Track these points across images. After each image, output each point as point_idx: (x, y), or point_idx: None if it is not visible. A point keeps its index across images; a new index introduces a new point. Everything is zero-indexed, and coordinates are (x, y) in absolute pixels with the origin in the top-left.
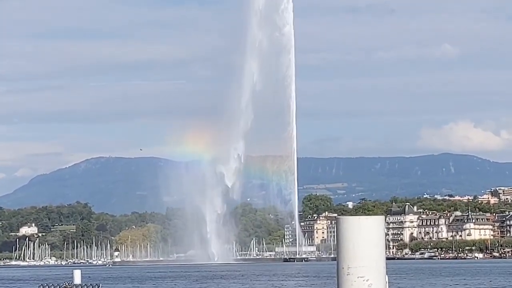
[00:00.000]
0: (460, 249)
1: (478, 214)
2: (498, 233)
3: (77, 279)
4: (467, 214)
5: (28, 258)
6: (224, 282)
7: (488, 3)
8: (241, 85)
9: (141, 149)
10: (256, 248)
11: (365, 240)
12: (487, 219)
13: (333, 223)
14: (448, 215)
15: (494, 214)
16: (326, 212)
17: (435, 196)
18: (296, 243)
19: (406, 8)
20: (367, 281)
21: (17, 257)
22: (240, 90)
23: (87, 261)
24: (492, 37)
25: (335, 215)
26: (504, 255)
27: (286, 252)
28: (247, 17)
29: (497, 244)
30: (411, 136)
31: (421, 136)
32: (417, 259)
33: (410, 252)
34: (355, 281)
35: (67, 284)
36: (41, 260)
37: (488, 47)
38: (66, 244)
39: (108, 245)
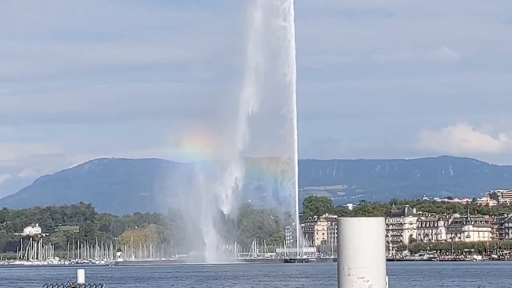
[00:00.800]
0: (459, 251)
1: (477, 216)
2: (496, 235)
3: (81, 279)
4: (466, 216)
5: (32, 258)
6: (225, 283)
7: (486, 6)
8: (238, 108)
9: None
10: (257, 249)
11: (366, 241)
12: (485, 221)
13: (333, 224)
14: (447, 217)
15: (492, 216)
16: (326, 214)
17: (434, 198)
18: (296, 244)
19: (404, 12)
20: (367, 282)
21: (21, 257)
22: (237, 113)
23: (90, 261)
24: (491, 40)
25: (335, 216)
26: (503, 257)
27: (286, 253)
28: (244, 39)
29: (496, 246)
30: (411, 139)
31: (420, 138)
32: (416, 260)
33: (409, 254)
34: (356, 281)
35: (71, 283)
36: (45, 260)
37: (486, 50)
38: (69, 244)
39: (111, 245)
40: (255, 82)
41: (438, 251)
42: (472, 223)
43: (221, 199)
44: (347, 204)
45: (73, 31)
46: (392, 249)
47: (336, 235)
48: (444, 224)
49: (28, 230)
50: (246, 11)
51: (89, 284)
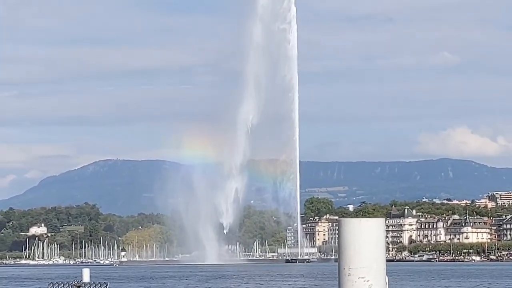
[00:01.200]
0: (458, 252)
1: (475, 218)
2: (495, 237)
3: (86, 278)
4: (465, 217)
5: (38, 257)
6: (227, 282)
7: (485, 13)
8: (238, 114)
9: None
10: (259, 250)
11: (366, 242)
12: (484, 222)
13: (334, 225)
14: (446, 218)
15: (491, 218)
16: (328, 215)
17: (434, 200)
18: (298, 244)
19: (404, 18)
20: (367, 282)
21: (27, 256)
22: (238, 119)
23: (95, 260)
24: (489, 45)
25: (336, 217)
26: (501, 258)
27: (288, 253)
28: (245, 43)
29: (494, 247)
30: (410, 141)
31: (420, 141)
32: (416, 261)
33: (409, 255)
34: (356, 281)
35: (76, 282)
36: (50, 260)
37: (485, 55)
38: (74, 244)
39: (115, 245)
40: (257, 86)
41: (437, 252)
42: (471, 224)
43: (221, 210)
44: (348, 206)
45: (79, 37)
46: (392, 250)
47: (337, 235)
48: (443, 226)
49: (34, 230)
50: (247, 16)
51: (94, 283)
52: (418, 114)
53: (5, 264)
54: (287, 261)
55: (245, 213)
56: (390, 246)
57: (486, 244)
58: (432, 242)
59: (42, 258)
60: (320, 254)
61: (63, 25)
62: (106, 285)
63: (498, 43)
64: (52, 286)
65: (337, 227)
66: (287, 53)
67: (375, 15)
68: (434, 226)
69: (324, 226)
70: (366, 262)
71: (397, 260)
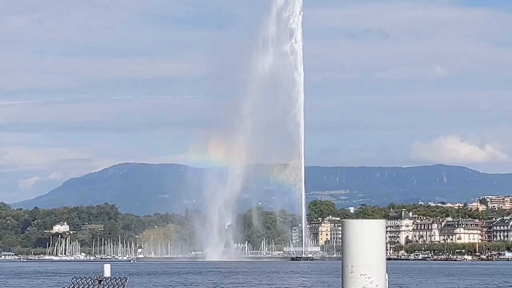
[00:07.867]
0: (451, 252)
1: (467, 220)
2: (485, 238)
3: (107, 273)
4: (458, 219)
5: (60, 254)
6: (237, 277)
7: (475, 30)
8: (247, 122)
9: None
10: (266, 248)
11: (368, 242)
12: (475, 224)
13: (336, 226)
14: (441, 220)
15: (482, 220)
16: (330, 216)
17: (429, 203)
18: (302, 243)
19: (399, 34)
20: (369, 279)
21: (50, 253)
22: (246, 127)
23: (113, 257)
24: (478, 60)
25: (338, 219)
26: (491, 257)
27: (293, 251)
28: (254, 57)
29: (485, 248)
30: (407, 149)
31: (416, 148)
32: (412, 260)
33: (405, 254)
34: (358, 278)
35: (98, 276)
36: (72, 256)
37: (474, 69)
38: (95, 241)
39: (133, 242)
40: (265, 97)
41: (432, 251)
42: (463, 226)
43: (230, 211)
44: (349, 208)
45: (100, 48)
46: (390, 249)
47: (338, 235)
48: (437, 227)
49: (57, 228)
50: (256, 31)
51: (114, 277)
52: (414, 123)
53: (30, 259)
54: (292, 259)
55: (253, 213)
56: (388, 245)
57: (477, 245)
58: (427, 242)
59: (65, 254)
60: (323, 253)
61: (85, 37)
62: (126, 280)
63: (485, 58)
64: (76, 280)
65: (339, 228)
66: (294, 69)
67: (373, 31)
68: (429, 228)
69: (326, 227)
70: (368, 260)
71: (394, 259)
